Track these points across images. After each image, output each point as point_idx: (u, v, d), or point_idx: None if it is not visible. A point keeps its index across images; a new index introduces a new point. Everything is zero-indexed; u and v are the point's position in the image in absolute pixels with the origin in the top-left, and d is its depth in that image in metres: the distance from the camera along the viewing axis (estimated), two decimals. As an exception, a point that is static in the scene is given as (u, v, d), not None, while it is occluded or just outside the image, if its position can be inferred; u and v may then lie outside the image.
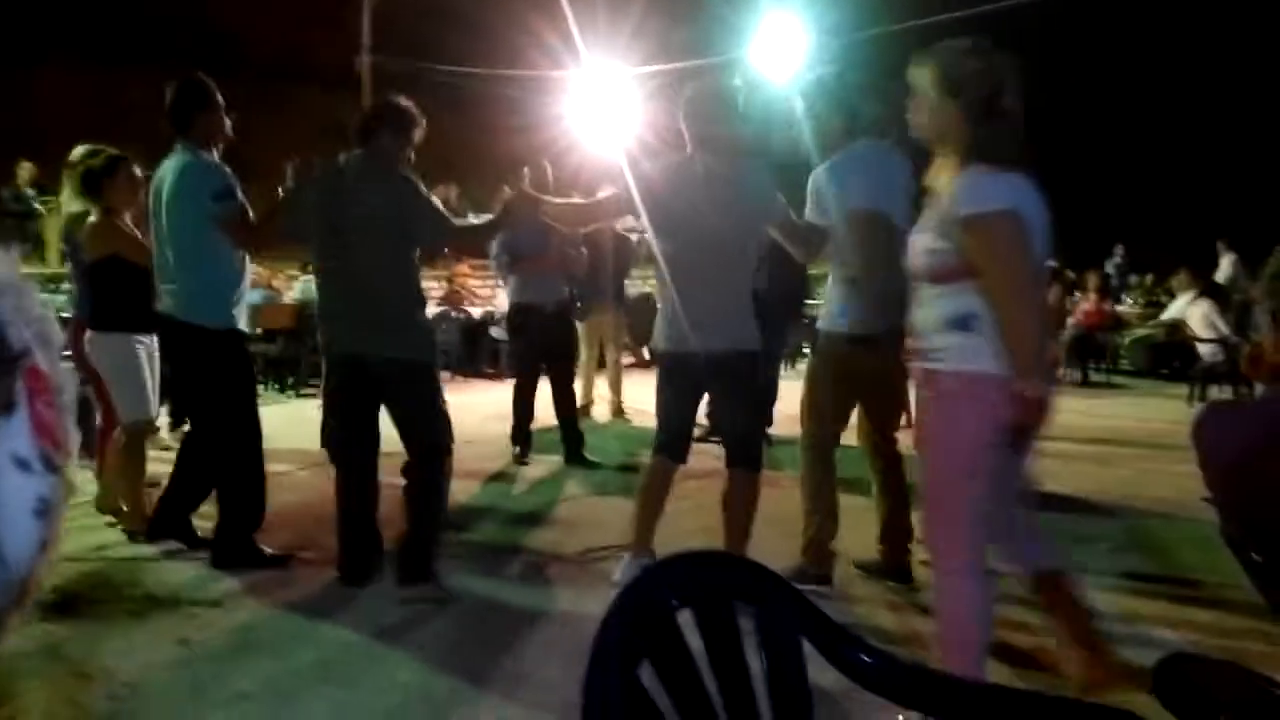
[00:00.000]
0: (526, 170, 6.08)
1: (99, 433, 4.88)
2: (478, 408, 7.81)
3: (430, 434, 3.70)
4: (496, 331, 11.09)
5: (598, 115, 12.68)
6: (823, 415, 3.80)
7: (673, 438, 3.69)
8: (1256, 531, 1.67)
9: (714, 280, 3.50)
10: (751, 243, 3.63)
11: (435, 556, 3.73)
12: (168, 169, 3.94)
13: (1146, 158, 26.54)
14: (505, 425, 6.25)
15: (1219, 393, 9.45)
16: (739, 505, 3.61)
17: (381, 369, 3.62)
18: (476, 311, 11.01)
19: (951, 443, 2.38)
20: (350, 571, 3.75)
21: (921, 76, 2.46)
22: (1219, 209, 19.76)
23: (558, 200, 4.24)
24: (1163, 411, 8.50)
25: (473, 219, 13.90)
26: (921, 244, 2.50)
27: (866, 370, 3.67)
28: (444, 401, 3.79)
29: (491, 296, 11.73)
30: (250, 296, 4.52)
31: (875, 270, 3.52)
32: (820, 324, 3.88)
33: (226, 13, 20.12)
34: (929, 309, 2.47)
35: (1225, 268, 12.45)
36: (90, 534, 4.32)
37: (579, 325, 7.04)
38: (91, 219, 4.40)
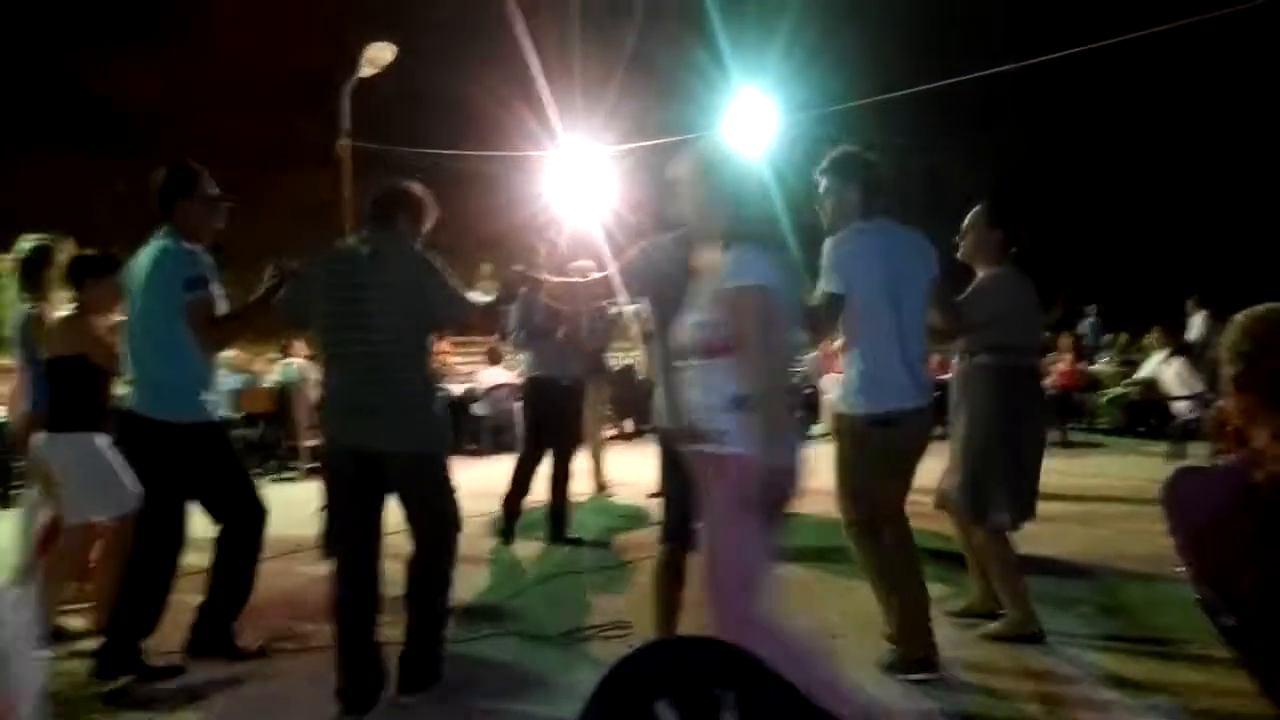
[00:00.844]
0: (543, 250, 6.12)
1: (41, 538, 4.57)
2: (459, 485, 7.73)
3: (442, 527, 3.56)
4: (478, 408, 11.07)
5: (575, 193, 12.86)
6: (855, 498, 3.64)
7: (681, 522, 3.31)
8: (1227, 595, 1.68)
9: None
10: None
11: (443, 657, 3.57)
12: (143, 254, 3.82)
13: (1116, 219, 27.09)
14: (486, 503, 6.19)
15: (1197, 449, 9.53)
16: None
17: (394, 462, 3.40)
18: (458, 388, 11.00)
19: (737, 524, 2.44)
20: (352, 699, 3.34)
21: (684, 167, 2.63)
22: (1188, 267, 20.12)
23: (555, 279, 4.23)
24: (1142, 469, 8.54)
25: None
26: (691, 319, 2.64)
27: (884, 451, 3.55)
28: (454, 491, 3.64)
29: (473, 373, 11.72)
30: (230, 381, 4.41)
31: (870, 354, 3.53)
32: (838, 405, 3.76)
33: (206, 98, 20.44)
34: (706, 389, 2.57)
35: (1197, 325, 12.61)
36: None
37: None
38: (61, 313, 4.13)
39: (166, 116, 19.87)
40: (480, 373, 11.46)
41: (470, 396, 11.20)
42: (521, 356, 6.59)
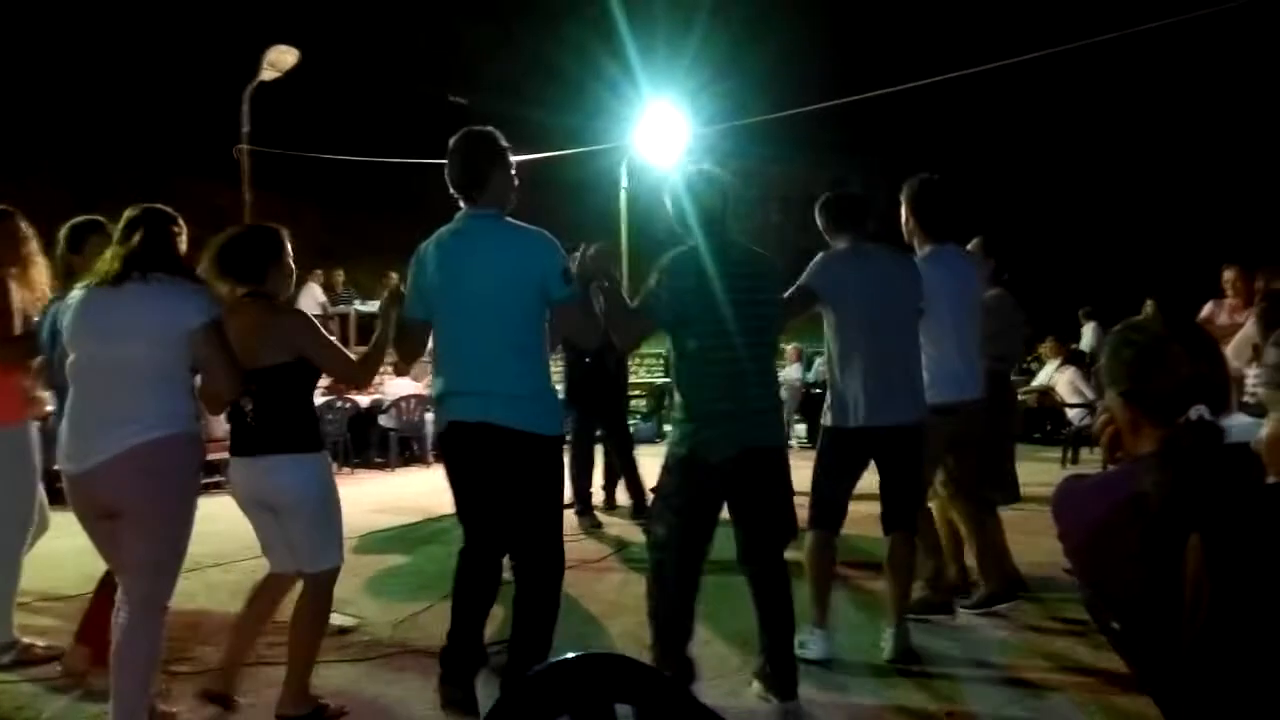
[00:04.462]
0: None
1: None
2: (363, 500, 7.58)
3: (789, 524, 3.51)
4: (385, 420, 10.84)
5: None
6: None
7: (832, 512, 3.83)
8: (1111, 600, 1.72)
9: (891, 356, 3.76)
10: (916, 317, 3.91)
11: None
12: (474, 240, 3.15)
13: (1010, 234, 28.10)
14: (392, 518, 6.08)
15: (1090, 454, 9.91)
16: (905, 564, 3.86)
17: (761, 459, 3.30)
18: (364, 400, 10.74)
19: None
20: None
21: None
22: (1078, 280, 20.99)
23: None
24: (1040, 474, 8.81)
25: (359, 306, 13.73)
26: None
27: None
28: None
29: (380, 384, 11.48)
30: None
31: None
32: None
33: (104, 103, 19.58)
34: None
35: (1087, 336, 13.15)
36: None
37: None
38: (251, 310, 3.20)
39: (57, 122, 18.97)
40: (387, 383, 11.20)
41: (377, 408, 10.95)
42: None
